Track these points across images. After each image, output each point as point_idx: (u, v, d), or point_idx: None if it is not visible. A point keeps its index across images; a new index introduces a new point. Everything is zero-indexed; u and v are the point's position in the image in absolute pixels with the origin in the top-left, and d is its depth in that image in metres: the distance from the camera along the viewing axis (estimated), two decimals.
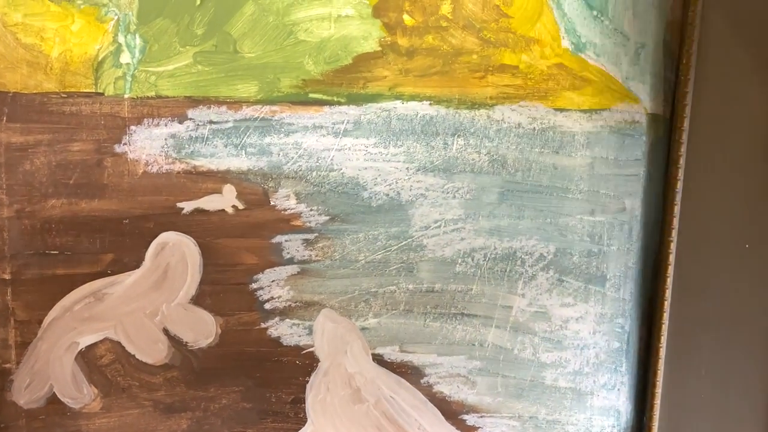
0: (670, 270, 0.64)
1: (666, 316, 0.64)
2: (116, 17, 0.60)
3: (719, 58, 0.61)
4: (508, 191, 0.64)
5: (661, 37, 0.61)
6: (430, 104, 0.62)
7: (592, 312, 0.66)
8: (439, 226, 0.64)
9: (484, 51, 0.61)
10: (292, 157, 0.63)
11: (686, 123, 0.61)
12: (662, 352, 0.65)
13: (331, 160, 0.63)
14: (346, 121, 0.62)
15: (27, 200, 0.62)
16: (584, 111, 0.62)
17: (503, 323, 0.66)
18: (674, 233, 0.63)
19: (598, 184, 0.64)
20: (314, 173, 0.63)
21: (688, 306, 0.66)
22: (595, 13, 0.60)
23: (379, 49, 0.61)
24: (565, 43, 0.61)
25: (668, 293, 0.64)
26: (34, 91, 0.61)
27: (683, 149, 0.61)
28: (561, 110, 0.62)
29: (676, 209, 0.63)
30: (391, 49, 0.61)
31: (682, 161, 0.62)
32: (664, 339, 0.65)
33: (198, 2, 0.60)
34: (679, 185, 0.62)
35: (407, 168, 0.63)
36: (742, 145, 0.63)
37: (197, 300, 0.65)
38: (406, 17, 0.61)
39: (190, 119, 0.62)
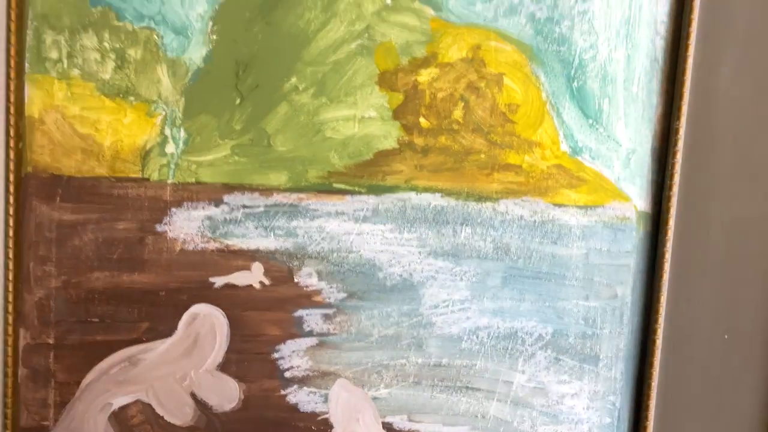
0: (658, 353, 0.70)
1: (653, 395, 0.70)
2: (164, 113, 0.67)
3: (702, 164, 0.68)
4: (510, 276, 0.70)
5: (649, 145, 0.68)
6: (442, 196, 0.69)
7: (586, 389, 0.72)
8: (447, 306, 0.70)
9: (491, 151, 0.68)
10: (316, 240, 0.69)
11: (672, 221, 0.67)
12: (650, 430, 0.71)
13: (351, 243, 0.69)
14: (365, 209, 0.69)
15: (74, 272, 0.68)
16: (580, 207, 0.69)
17: (504, 397, 0.71)
18: (661, 319, 0.69)
19: (593, 272, 0.70)
20: (335, 254, 0.70)
21: (674, 387, 0.71)
22: (590, 121, 0.67)
23: (398, 146, 0.68)
24: (564, 147, 0.68)
25: (656, 374, 0.70)
26: (87, 175, 0.68)
27: (669, 244, 0.68)
28: (559, 205, 0.69)
29: (663, 298, 0.69)
30: (408, 147, 0.68)
31: (668, 255, 0.68)
32: (651, 417, 0.70)
33: (238, 101, 0.68)
34: (666, 276, 0.69)
35: (419, 252, 0.70)
36: (723, 242, 0.69)
37: (223, 367, 0.70)
38: (422, 120, 0.68)
39: (226, 203, 0.69)
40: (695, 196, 0.68)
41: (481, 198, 0.69)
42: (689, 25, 0.66)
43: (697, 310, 0.70)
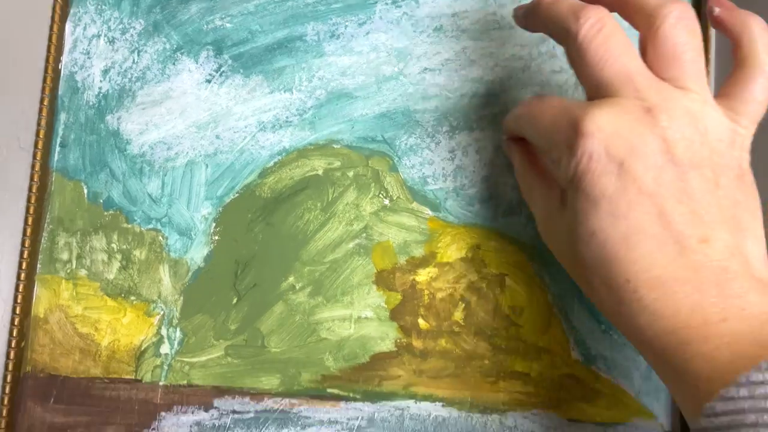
0: None
1: None
2: (162, 312, 0.67)
3: None
4: None
5: None
6: (443, 406, 0.63)
7: None
8: None
9: (495, 357, 0.63)
10: None
11: None
12: None
13: None
14: (360, 418, 0.64)
15: None
16: (599, 424, 0.61)
17: None
18: None
19: None
20: None
21: None
22: (603, 327, 0.62)
23: (395, 349, 0.65)
24: (576, 355, 0.62)
25: None
26: (82, 376, 0.67)
27: None
28: (575, 421, 0.62)
29: None
30: (407, 350, 0.64)
31: None
32: None
33: (234, 301, 0.67)
34: None
35: None
36: None
37: None
38: (421, 321, 0.65)
39: (215, 408, 0.66)
40: None
41: (486, 409, 0.63)
42: None
43: None
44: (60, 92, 0.71)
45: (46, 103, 0.70)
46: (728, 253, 0.37)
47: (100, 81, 0.71)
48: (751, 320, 0.36)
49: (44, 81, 0.71)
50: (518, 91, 0.66)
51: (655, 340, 0.39)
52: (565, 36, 0.43)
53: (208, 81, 0.70)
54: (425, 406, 0.64)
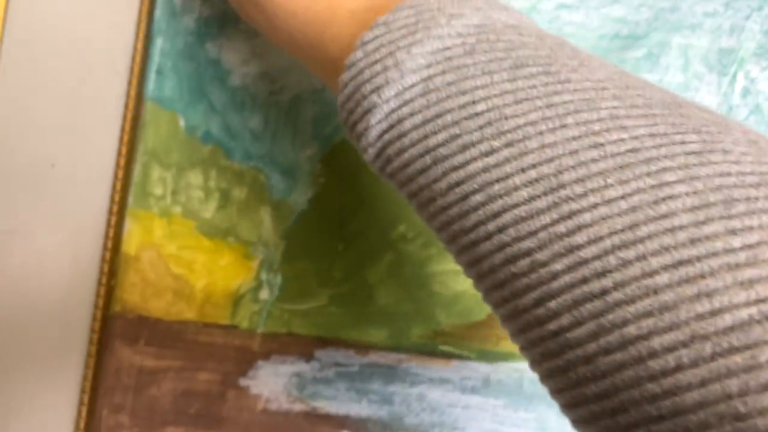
0: None
1: None
2: (262, 256, 0.63)
3: None
4: None
5: None
6: None
7: None
8: None
9: None
10: (415, 410, 0.60)
11: None
12: None
13: (456, 417, 0.60)
14: (474, 378, 0.60)
15: (147, 425, 0.62)
16: None
17: None
18: None
19: None
20: (436, 429, 0.60)
21: None
22: None
23: None
24: None
25: None
26: (174, 319, 0.63)
27: None
28: None
29: None
30: None
31: None
32: None
33: (340, 248, 0.62)
34: None
35: None
36: None
37: None
38: None
39: (317, 359, 0.62)
40: None
41: None
42: None
43: None
44: (157, 15, 0.66)
45: (142, 26, 0.65)
46: None
47: (200, 4, 0.66)
48: None
49: (141, 2, 0.66)
50: (665, 34, 0.60)
51: (300, 38, 0.41)
52: None
53: None
54: None
